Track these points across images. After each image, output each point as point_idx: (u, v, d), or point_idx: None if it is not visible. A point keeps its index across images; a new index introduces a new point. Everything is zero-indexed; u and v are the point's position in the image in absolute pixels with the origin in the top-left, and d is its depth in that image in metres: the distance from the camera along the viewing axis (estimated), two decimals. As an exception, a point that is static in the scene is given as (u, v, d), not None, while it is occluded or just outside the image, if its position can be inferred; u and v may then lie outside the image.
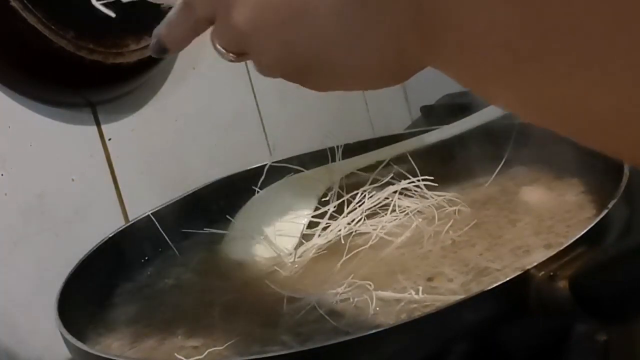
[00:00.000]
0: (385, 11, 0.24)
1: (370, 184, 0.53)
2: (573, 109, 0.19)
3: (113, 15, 0.41)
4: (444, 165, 0.58)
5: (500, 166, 0.55)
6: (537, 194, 0.51)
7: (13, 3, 0.52)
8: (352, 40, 0.25)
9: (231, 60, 0.32)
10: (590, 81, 0.17)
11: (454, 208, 0.50)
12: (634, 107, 0.17)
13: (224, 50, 0.32)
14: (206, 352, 0.38)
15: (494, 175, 0.55)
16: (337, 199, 0.53)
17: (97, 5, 0.39)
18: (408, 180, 0.53)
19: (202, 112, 0.74)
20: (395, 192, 0.52)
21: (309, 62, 0.27)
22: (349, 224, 0.50)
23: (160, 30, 0.35)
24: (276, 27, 0.27)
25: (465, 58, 0.21)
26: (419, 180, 0.53)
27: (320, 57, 0.26)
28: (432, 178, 0.53)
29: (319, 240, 0.50)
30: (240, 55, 0.31)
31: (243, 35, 0.28)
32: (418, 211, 0.51)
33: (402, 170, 0.54)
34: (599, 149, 0.19)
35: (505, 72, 0.20)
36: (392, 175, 0.54)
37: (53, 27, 0.54)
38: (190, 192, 0.63)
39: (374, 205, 0.51)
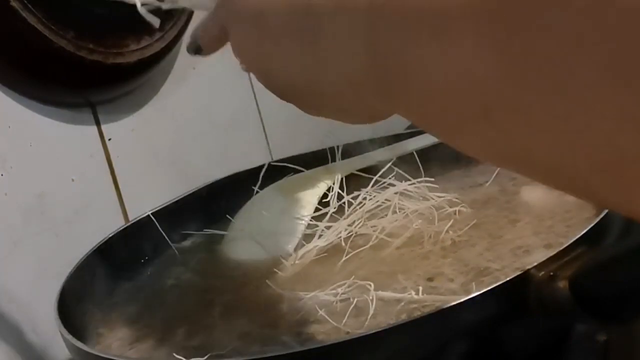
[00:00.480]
0: (338, 52, 0.23)
1: (371, 186, 0.53)
2: (546, 160, 0.17)
3: (157, 25, 0.41)
4: (444, 165, 0.59)
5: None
6: (537, 194, 0.51)
7: (13, 3, 0.52)
8: (310, 77, 0.26)
9: (247, 70, 0.34)
10: (567, 134, 0.16)
11: (455, 209, 0.50)
12: (606, 159, 0.15)
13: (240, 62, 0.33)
14: (207, 356, 0.38)
15: (494, 175, 0.55)
16: (338, 200, 0.53)
17: (142, 12, 0.38)
18: (409, 183, 0.53)
19: (202, 112, 0.74)
20: (396, 193, 0.52)
21: (287, 88, 0.29)
22: (349, 225, 0.50)
23: (197, 30, 0.36)
24: (253, 57, 0.29)
25: (430, 108, 0.20)
26: (420, 182, 0.53)
27: (294, 86, 0.28)
28: (433, 180, 0.53)
29: (319, 241, 0.50)
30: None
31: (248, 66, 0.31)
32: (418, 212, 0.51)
33: (402, 172, 0.54)
34: (577, 196, 0.18)
35: (474, 122, 0.18)
36: (392, 177, 0.54)
37: (53, 27, 0.54)
38: (190, 192, 0.63)
39: (375, 208, 0.51)
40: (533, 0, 0.15)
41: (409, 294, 0.39)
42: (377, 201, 0.51)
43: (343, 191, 0.54)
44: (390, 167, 0.55)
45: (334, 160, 0.58)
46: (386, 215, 0.50)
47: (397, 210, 0.51)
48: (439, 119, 0.20)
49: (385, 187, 0.53)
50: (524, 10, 0.15)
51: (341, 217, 0.52)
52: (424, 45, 0.18)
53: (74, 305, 0.46)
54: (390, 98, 0.22)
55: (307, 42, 0.25)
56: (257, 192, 0.58)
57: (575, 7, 0.14)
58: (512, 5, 0.15)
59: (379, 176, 0.54)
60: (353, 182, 0.56)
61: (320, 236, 0.50)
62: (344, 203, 0.53)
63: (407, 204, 0.51)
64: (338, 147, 0.58)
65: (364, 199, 0.52)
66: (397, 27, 0.19)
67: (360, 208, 0.51)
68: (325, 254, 0.49)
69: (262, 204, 0.57)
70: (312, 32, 0.24)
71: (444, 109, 0.19)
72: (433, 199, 0.51)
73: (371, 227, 0.49)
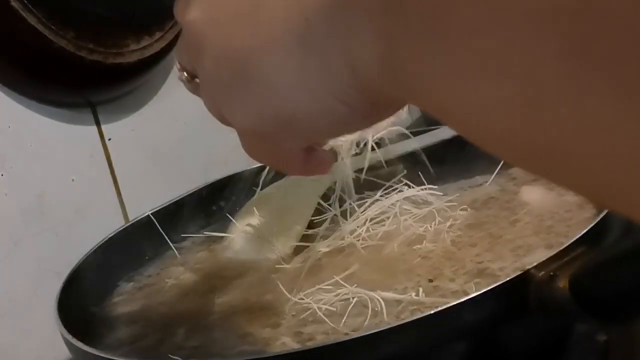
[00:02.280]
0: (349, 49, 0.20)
1: (373, 190, 0.53)
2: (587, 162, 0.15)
3: None
4: (444, 166, 0.58)
5: (500, 166, 0.55)
6: (537, 194, 0.51)
7: (13, 3, 0.52)
8: (295, 48, 0.22)
9: (186, 85, 0.30)
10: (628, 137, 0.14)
11: (455, 213, 0.50)
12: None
13: (179, 66, 0.30)
14: None
15: (493, 175, 0.55)
16: (340, 203, 0.53)
17: None
18: (413, 192, 0.52)
19: (202, 112, 0.73)
20: (397, 201, 0.51)
21: (247, 63, 0.23)
22: (351, 233, 0.50)
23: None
24: (225, 22, 0.24)
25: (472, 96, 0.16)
26: (424, 190, 0.52)
27: (258, 59, 0.23)
28: (436, 187, 0.52)
29: (321, 245, 0.49)
30: (192, 77, 0.29)
31: (194, 35, 0.26)
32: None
33: (407, 182, 0.54)
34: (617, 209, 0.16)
35: (522, 114, 0.15)
36: (401, 183, 0.54)
37: (53, 27, 0.54)
38: (190, 192, 0.63)
39: (378, 213, 0.51)
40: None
41: (409, 295, 0.40)
42: (383, 206, 0.51)
43: (344, 193, 0.54)
44: (392, 169, 0.54)
45: (333, 160, 0.58)
46: (388, 218, 0.50)
47: (399, 214, 0.50)
48: (466, 108, 0.17)
49: (389, 192, 0.53)
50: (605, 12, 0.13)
51: (342, 217, 0.52)
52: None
53: (74, 305, 0.46)
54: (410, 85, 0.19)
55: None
56: (257, 192, 0.58)
57: None
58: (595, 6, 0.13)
59: (384, 180, 0.53)
60: (354, 182, 0.56)
61: (322, 237, 0.50)
62: (347, 205, 0.52)
63: (408, 206, 0.51)
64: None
65: (367, 204, 0.51)
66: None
67: (362, 215, 0.51)
68: (326, 252, 0.49)
69: (262, 204, 0.57)
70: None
71: (477, 97, 0.16)
72: (434, 202, 0.51)
73: (372, 229, 0.49)
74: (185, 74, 0.30)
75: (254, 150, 0.29)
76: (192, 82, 0.30)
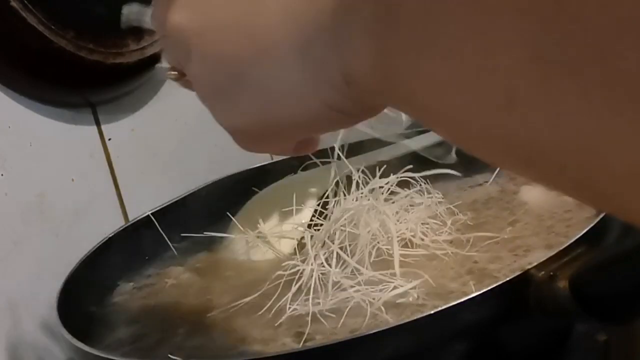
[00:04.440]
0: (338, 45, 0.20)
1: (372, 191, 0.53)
2: (577, 163, 0.15)
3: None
4: (443, 166, 0.58)
5: (500, 166, 0.55)
6: (537, 194, 0.51)
7: (13, 3, 0.52)
8: (291, 56, 0.22)
9: (177, 82, 0.30)
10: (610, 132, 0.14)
11: (454, 217, 0.50)
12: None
13: (168, 65, 0.30)
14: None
15: (494, 175, 0.55)
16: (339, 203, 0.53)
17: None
18: (415, 196, 0.52)
19: (202, 112, 0.73)
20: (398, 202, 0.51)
21: (242, 70, 0.24)
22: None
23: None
24: (216, 28, 0.24)
25: (443, 99, 0.17)
26: (429, 198, 0.52)
27: (253, 66, 0.23)
28: (441, 195, 0.52)
29: (319, 243, 0.49)
30: (181, 75, 0.29)
31: (181, 40, 0.26)
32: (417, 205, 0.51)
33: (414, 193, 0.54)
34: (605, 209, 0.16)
35: (495, 114, 0.16)
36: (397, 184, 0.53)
37: (53, 27, 0.54)
38: (190, 192, 0.63)
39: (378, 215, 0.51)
40: None
41: (410, 295, 0.40)
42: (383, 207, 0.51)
43: (344, 194, 0.54)
44: (392, 169, 0.54)
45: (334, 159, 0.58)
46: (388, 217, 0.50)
47: (399, 214, 0.50)
48: (452, 111, 0.17)
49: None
50: None
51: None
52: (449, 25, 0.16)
53: (74, 305, 0.46)
54: (392, 89, 0.19)
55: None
56: (257, 192, 0.58)
57: None
58: None
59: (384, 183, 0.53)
60: (354, 183, 0.56)
61: (324, 243, 0.50)
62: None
63: (408, 207, 0.51)
64: (343, 146, 0.58)
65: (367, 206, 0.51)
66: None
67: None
68: (325, 253, 0.49)
69: (262, 204, 0.57)
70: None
71: (461, 100, 0.17)
72: (437, 205, 0.51)
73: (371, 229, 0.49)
74: (173, 72, 0.30)
75: (246, 144, 0.29)
76: (182, 79, 0.30)
